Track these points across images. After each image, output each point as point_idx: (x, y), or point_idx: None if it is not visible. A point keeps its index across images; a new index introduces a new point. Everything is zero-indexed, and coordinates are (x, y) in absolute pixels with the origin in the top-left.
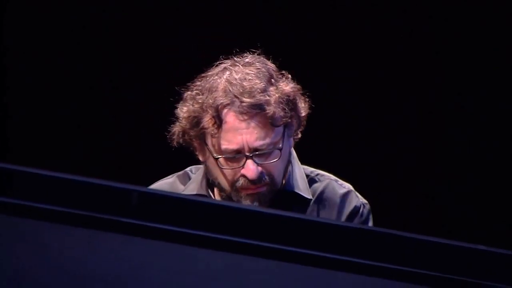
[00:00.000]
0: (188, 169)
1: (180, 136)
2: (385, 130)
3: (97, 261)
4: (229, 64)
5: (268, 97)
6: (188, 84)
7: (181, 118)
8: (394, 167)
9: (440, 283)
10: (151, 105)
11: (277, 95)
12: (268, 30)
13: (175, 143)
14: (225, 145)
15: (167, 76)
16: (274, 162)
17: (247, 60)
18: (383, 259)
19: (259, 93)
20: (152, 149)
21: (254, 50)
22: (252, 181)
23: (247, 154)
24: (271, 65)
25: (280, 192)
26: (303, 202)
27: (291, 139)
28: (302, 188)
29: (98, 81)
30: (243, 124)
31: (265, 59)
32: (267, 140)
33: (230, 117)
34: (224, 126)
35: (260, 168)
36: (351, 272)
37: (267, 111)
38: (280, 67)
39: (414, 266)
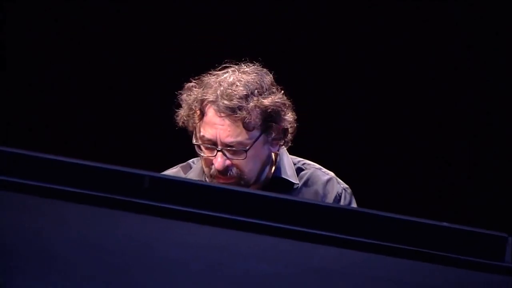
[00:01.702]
0: (190, 160)
1: (181, 118)
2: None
3: (115, 236)
4: (231, 68)
5: (243, 104)
6: (197, 76)
7: (183, 104)
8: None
9: (411, 255)
10: (164, 106)
11: (252, 104)
12: (275, 31)
13: (180, 124)
14: (202, 133)
15: (179, 75)
16: (239, 160)
17: (247, 69)
18: (362, 235)
19: (238, 98)
20: (160, 144)
21: (257, 63)
22: (219, 172)
23: (219, 147)
24: (267, 78)
25: (270, 178)
26: (291, 186)
27: (274, 145)
28: (290, 175)
29: (109, 79)
30: (219, 120)
31: (264, 72)
32: (237, 139)
33: (211, 112)
34: (205, 118)
35: (228, 162)
36: (333, 246)
37: (237, 115)
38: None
39: (389, 241)
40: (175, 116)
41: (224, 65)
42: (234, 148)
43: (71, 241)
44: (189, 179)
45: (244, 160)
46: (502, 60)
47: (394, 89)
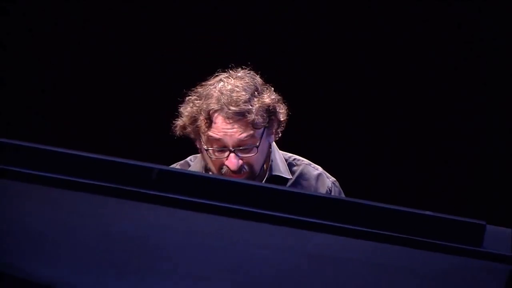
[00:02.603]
0: (188, 158)
1: (181, 129)
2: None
3: (125, 223)
4: (224, 76)
5: (250, 107)
6: (192, 88)
7: (182, 116)
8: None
9: (398, 241)
10: (164, 107)
11: (258, 105)
12: (265, 35)
13: (177, 133)
14: (212, 140)
15: (175, 81)
16: (252, 156)
17: (239, 74)
18: (352, 223)
19: (243, 103)
20: (160, 144)
21: (245, 67)
22: (233, 171)
23: (231, 149)
24: (258, 80)
25: (264, 176)
26: (284, 182)
27: (272, 136)
28: (282, 170)
29: (110, 82)
30: (229, 126)
31: (254, 74)
32: (247, 140)
33: (219, 120)
34: (214, 126)
35: (240, 161)
36: (325, 233)
37: (248, 118)
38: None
39: (377, 228)
40: (172, 126)
41: (215, 74)
42: (245, 147)
43: (85, 228)
44: (193, 171)
45: (255, 156)
46: (502, 60)
47: (381, 82)
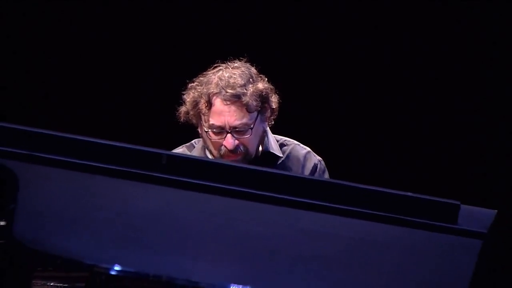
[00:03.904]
0: (192, 141)
1: (185, 115)
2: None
3: (137, 203)
4: (223, 66)
5: (245, 90)
6: (193, 78)
7: (185, 102)
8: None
9: (382, 219)
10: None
11: (252, 90)
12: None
13: (181, 119)
14: (212, 122)
15: (180, 73)
16: (247, 138)
17: (236, 64)
18: (340, 202)
19: (239, 87)
20: (167, 129)
21: (242, 58)
22: (230, 151)
23: (228, 130)
24: (253, 70)
25: (260, 153)
26: (276, 159)
27: (266, 123)
28: (275, 149)
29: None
30: (226, 108)
31: (249, 65)
32: (243, 121)
33: (217, 102)
34: (213, 108)
35: (236, 141)
36: (315, 211)
37: (243, 100)
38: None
39: (363, 207)
40: (177, 113)
41: (215, 65)
42: (241, 129)
43: (102, 207)
44: (198, 156)
45: (249, 137)
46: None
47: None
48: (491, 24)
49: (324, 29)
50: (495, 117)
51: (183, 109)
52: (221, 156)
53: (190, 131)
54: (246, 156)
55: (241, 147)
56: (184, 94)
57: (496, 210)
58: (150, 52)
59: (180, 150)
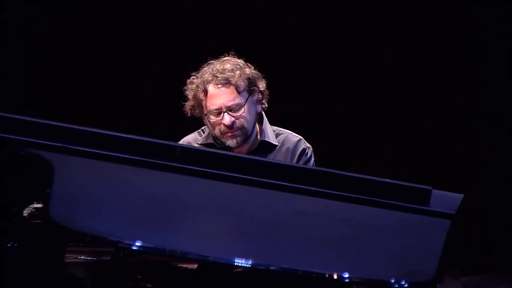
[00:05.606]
0: (202, 127)
1: (190, 109)
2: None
3: (156, 187)
4: (214, 61)
5: (233, 74)
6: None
7: (188, 97)
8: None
9: (365, 203)
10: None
11: (239, 73)
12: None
13: (188, 114)
14: (210, 106)
15: (180, 71)
16: (240, 114)
17: (225, 58)
18: (330, 188)
19: (228, 72)
20: (167, 128)
21: (231, 53)
22: (227, 127)
23: (223, 110)
24: (241, 60)
25: (257, 141)
26: (272, 147)
27: (258, 106)
28: (271, 138)
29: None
30: (218, 91)
31: (237, 59)
32: (236, 101)
33: (211, 88)
34: (209, 94)
35: (232, 118)
36: (309, 196)
37: (232, 81)
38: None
39: (348, 191)
40: (183, 109)
41: (208, 62)
42: (235, 108)
43: (125, 192)
44: (208, 149)
45: (243, 114)
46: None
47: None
48: (491, 24)
49: (324, 29)
50: (494, 117)
51: (187, 104)
52: (222, 134)
53: (189, 130)
54: (243, 131)
55: (237, 123)
56: (185, 90)
57: (463, 194)
58: (150, 52)
59: (192, 135)
